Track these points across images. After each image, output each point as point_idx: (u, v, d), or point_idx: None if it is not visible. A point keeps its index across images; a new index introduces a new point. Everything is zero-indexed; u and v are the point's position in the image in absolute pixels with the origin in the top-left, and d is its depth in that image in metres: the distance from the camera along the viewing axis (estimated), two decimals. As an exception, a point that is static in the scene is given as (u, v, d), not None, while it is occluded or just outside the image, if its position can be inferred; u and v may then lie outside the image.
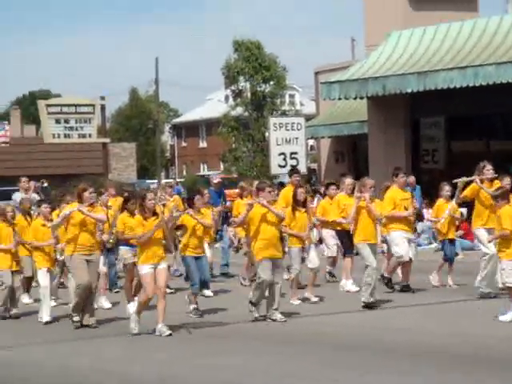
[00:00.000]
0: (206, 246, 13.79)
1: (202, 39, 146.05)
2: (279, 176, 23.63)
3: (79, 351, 11.10)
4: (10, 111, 65.01)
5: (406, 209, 14.76)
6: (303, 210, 13.90)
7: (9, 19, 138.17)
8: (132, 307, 12.92)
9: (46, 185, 25.45)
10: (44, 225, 13.54)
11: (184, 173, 71.29)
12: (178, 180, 43.91)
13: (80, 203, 12.51)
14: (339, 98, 25.66)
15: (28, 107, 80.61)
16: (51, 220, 13.60)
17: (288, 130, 23.48)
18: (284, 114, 39.53)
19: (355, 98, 25.73)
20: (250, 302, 12.49)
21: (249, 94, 40.20)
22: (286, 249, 13.72)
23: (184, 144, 77.98)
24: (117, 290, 15.89)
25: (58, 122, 32.64)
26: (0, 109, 79.93)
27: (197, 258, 13.07)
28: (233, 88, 41.11)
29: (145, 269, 11.74)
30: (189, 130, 77.21)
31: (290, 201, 14.16)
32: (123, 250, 14.08)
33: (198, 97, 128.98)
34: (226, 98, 50.66)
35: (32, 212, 14.90)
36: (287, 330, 11.95)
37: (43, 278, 13.31)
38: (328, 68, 30.96)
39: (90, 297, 12.58)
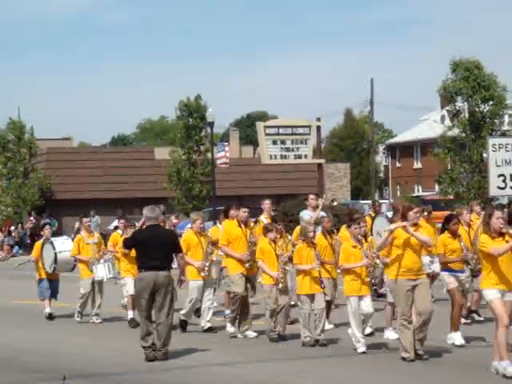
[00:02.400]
0: None
1: (417, 60, 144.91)
2: (498, 198, 22.92)
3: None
4: (229, 132, 67.36)
5: None
6: None
7: (230, 47, 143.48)
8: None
9: (335, 203, 25.07)
10: (354, 246, 12.33)
11: (398, 193, 70.69)
12: (391, 201, 43.58)
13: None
14: None
15: (245, 129, 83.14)
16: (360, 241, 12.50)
17: (508, 150, 22.83)
18: (504, 134, 38.28)
19: None
20: None
21: (466, 115, 39.24)
22: None
23: (398, 164, 77.45)
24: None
25: (274, 143, 33.17)
26: (220, 130, 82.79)
27: None
28: (450, 108, 40.31)
29: (491, 293, 10.27)
30: (403, 151, 76.63)
31: None
32: (444, 276, 12.93)
33: (412, 117, 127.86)
34: (442, 118, 49.78)
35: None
36: None
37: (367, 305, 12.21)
38: (552, 87, 29.84)
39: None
